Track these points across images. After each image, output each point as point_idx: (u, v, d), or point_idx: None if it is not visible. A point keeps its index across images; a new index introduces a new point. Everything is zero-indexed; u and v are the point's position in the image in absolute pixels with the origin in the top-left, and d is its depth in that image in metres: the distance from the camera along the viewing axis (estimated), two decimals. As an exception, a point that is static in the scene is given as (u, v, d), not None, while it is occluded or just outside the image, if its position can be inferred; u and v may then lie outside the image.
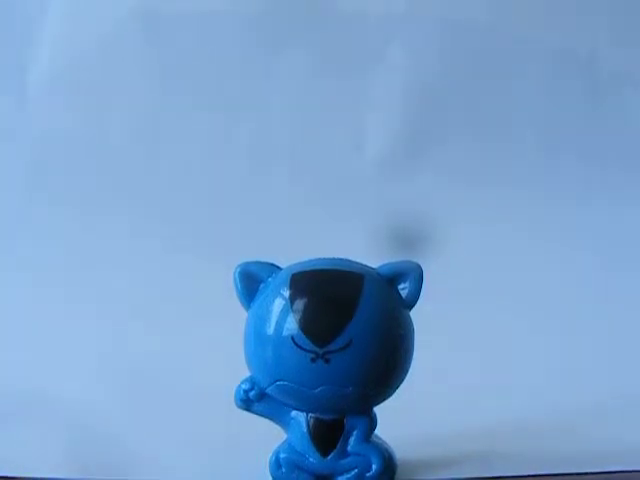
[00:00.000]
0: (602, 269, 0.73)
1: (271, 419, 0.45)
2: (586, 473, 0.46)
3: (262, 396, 0.44)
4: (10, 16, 0.83)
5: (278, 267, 0.44)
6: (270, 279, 0.43)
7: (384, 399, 0.44)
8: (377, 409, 0.44)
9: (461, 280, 0.70)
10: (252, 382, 0.44)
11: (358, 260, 0.44)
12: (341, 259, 0.44)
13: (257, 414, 0.44)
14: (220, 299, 0.47)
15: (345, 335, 0.41)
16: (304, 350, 0.41)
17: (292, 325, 0.42)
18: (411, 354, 0.44)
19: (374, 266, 0.43)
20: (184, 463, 0.47)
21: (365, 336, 0.42)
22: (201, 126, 0.82)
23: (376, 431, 0.45)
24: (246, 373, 0.44)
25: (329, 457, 0.44)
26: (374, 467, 0.44)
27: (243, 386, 0.44)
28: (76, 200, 0.79)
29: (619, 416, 0.52)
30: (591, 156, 0.81)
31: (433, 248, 0.71)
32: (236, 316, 0.44)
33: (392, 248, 0.69)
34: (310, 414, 0.44)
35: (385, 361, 0.43)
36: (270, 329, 0.42)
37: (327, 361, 0.41)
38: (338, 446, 0.44)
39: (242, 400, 0.44)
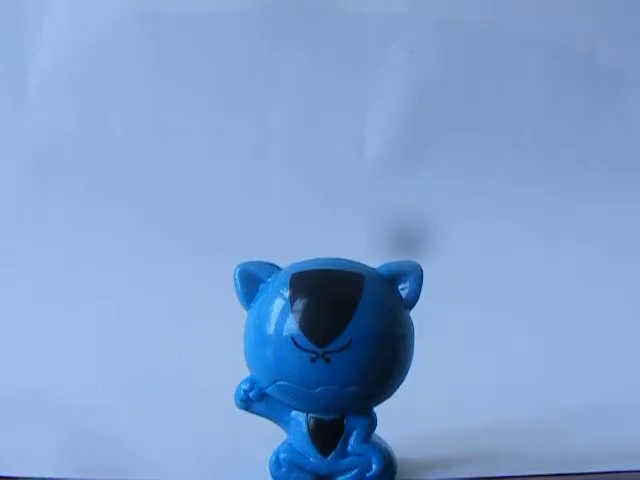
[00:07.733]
0: (603, 268, 0.73)
1: (271, 419, 0.45)
2: (586, 473, 0.46)
3: (262, 396, 0.44)
4: (10, 16, 0.83)
5: (278, 267, 0.44)
6: (270, 279, 0.43)
7: (384, 399, 0.44)
8: (377, 409, 0.44)
9: (461, 280, 0.70)
10: (252, 382, 0.44)
11: (358, 260, 0.44)
12: (341, 259, 0.44)
13: (257, 414, 0.44)
14: (220, 299, 0.47)
15: (345, 335, 0.41)
16: (304, 350, 0.41)
17: (292, 325, 0.42)
18: (411, 354, 0.44)
19: (374, 266, 0.44)
20: (184, 463, 0.47)
21: (365, 336, 0.42)
22: (201, 125, 0.82)
23: (376, 431, 0.45)
24: (246, 373, 0.44)
25: (329, 457, 0.44)
26: (374, 467, 0.44)
27: (243, 386, 0.44)
28: (77, 199, 0.79)
29: (619, 416, 0.52)
30: (591, 153, 0.81)
31: (433, 248, 0.71)
32: (236, 316, 0.44)
33: (392, 248, 0.69)
34: (310, 414, 0.44)
35: (385, 361, 0.43)
36: (270, 329, 0.42)
37: (327, 361, 0.41)
38: (338, 446, 0.44)
39: (242, 400, 0.44)
